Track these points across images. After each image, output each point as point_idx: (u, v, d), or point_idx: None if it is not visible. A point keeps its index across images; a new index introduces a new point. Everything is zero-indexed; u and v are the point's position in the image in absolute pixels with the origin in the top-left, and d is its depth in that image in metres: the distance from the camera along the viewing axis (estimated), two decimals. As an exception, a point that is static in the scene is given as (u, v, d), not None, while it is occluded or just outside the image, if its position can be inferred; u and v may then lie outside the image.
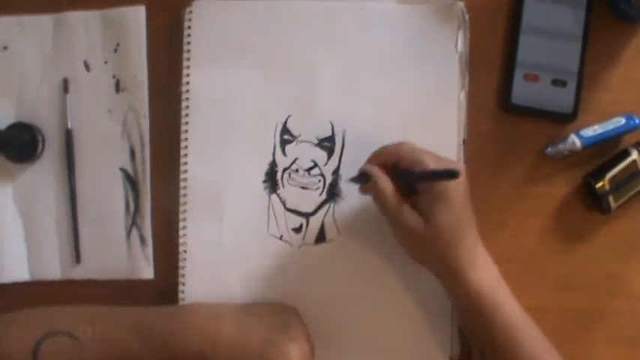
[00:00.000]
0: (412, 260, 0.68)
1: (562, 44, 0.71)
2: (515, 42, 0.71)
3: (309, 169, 0.72)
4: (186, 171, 0.72)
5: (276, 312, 0.68)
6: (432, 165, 0.62)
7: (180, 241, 0.72)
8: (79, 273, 0.73)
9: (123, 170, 0.73)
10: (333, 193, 0.71)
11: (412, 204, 0.63)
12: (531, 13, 0.71)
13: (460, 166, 0.63)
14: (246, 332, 0.64)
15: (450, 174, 0.60)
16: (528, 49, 0.71)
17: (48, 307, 0.68)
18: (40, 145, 0.72)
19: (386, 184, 0.63)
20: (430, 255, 0.65)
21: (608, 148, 0.71)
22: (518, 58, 0.71)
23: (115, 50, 0.73)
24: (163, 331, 0.64)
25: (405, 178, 0.64)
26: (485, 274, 0.64)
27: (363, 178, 0.66)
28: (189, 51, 0.72)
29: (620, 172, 0.69)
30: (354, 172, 0.68)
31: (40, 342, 0.62)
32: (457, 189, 0.62)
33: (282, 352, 0.63)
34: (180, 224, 0.72)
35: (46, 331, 0.63)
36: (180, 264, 0.72)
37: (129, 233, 0.73)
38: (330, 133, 0.72)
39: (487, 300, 0.63)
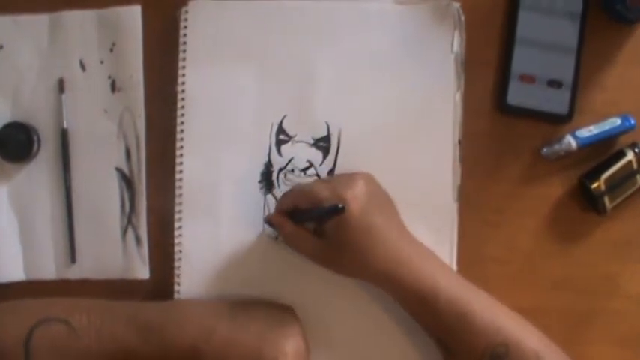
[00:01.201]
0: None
1: (558, 45, 0.71)
2: (510, 43, 0.71)
3: (304, 170, 0.72)
4: (181, 171, 0.72)
5: (272, 309, 0.68)
6: (323, 195, 0.63)
7: (176, 241, 0.72)
8: (75, 272, 0.73)
9: (118, 170, 0.73)
10: (328, 193, 0.71)
11: (322, 233, 0.65)
12: (527, 14, 0.71)
13: (354, 184, 0.64)
14: (241, 328, 0.64)
15: (335, 211, 0.62)
16: (524, 49, 0.71)
17: (43, 298, 0.68)
18: (35, 145, 0.72)
19: (283, 226, 0.67)
20: (354, 270, 0.66)
21: (604, 149, 0.71)
22: (513, 58, 0.71)
23: (111, 50, 0.73)
24: (158, 323, 0.64)
25: (300, 220, 0.66)
26: (417, 264, 0.64)
27: (268, 224, 0.70)
28: (184, 51, 0.72)
29: (616, 172, 0.70)
30: (350, 173, 0.69)
31: (34, 328, 0.63)
32: (356, 205, 0.63)
33: (276, 347, 0.63)
34: (176, 224, 0.72)
35: (40, 318, 0.64)
36: (176, 264, 0.71)
37: (124, 233, 0.72)
38: (325, 134, 0.72)
39: (425, 288, 0.62)
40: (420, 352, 0.70)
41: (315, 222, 0.66)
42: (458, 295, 0.62)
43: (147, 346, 0.64)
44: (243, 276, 0.71)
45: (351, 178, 0.65)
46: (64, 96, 0.73)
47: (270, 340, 0.64)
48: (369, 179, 0.66)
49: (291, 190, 0.68)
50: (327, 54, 0.72)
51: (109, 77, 0.73)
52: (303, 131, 0.72)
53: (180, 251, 0.71)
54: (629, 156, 0.70)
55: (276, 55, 0.72)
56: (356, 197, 0.63)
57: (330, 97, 0.71)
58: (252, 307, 0.68)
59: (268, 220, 0.69)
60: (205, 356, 0.63)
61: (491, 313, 0.63)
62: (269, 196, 0.72)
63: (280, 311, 0.68)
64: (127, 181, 0.73)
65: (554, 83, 0.71)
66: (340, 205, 0.61)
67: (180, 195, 0.72)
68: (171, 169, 0.72)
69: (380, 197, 0.66)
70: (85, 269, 0.73)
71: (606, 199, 0.70)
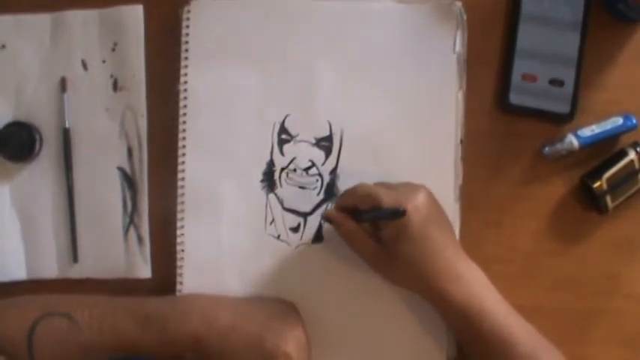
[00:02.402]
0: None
1: (560, 44, 0.71)
2: (512, 42, 0.71)
3: (306, 169, 0.72)
4: (183, 170, 0.72)
5: (274, 303, 0.69)
6: (385, 200, 0.63)
7: (178, 240, 0.72)
8: (77, 272, 0.73)
9: (120, 169, 0.73)
10: (330, 192, 0.71)
11: (379, 239, 0.65)
12: (529, 14, 0.71)
13: (417, 194, 0.64)
14: (243, 318, 0.65)
15: (396, 214, 0.62)
16: (526, 49, 0.71)
17: (46, 295, 0.69)
18: (37, 144, 0.72)
19: (344, 224, 0.66)
20: (404, 280, 0.67)
21: (606, 148, 0.71)
22: (515, 58, 0.71)
23: (113, 49, 0.73)
24: (161, 316, 0.65)
25: (360, 219, 0.66)
26: (467, 284, 0.64)
27: (327, 221, 0.68)
28: (187, 50, 0.72)
29: (618, 172, 0.69)
30: (352, 172, 0.69)
31: (37, 322, 0.63)
32: (418, 216, 0.63)
33: (278, 337, 0.64)
34: (178, 223, 0.72)
35: (42, 313, 0.64)
36: (178, 263, 0.71)
37: (126, 232, 0.73)
38: (327, 133, 0.72)
39: (473, 310, 0.63)
40: (422, 356, 0.70)
41: (373, 223, 0.66)
42: (502, 321, 0.63)
43: (149, 338, 0.64)
44: (244, 275, 0.71)
45: (413, 188, 0.66)
46: (66, 95, 0.73)
47: (272, 329, 0.64)
48: (430, 193, 0.66)
49: (353, 189, 0.67)
50: (329, 53, 0.72)
51: (111, 76, 0.73)
52: (306, 131, 0.72)
53: (182, 250, 0.71)
54: (631, 155, 0.70)
55: (279, 54, 0.72)
56: (417, 209, 0.63)
57: (332, 97, 0.71)
58: (254, 301, 0.68)
59: (327, 216, 0.67)
60: (207, 343, 0.63)
61: (533, 342, 0.63)
62: (271, 196, 0.72)
63: (283, 305, 0.68)
64: (129, 180, 0.73)
65: (556, 82, 0.71)
66: (402, 209, 0.62)
67: (182, 194, 0.72)
68: (173, 168, 0.72)
69: (438, 212, 0.66)
70: (87, 268, 0.73)
71: (608, 199, 0.70)
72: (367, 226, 0.66)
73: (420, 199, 0.64)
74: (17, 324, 0.64)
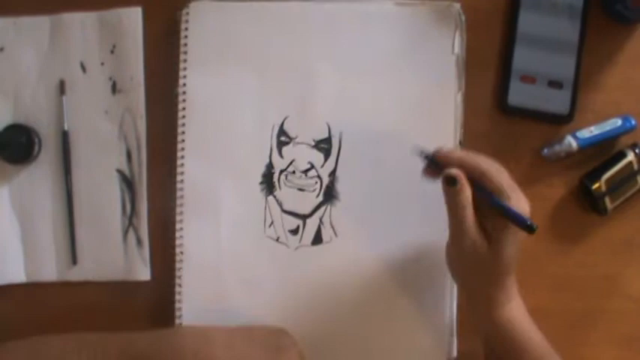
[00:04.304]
0: (409, 262, 0.68)
1: (558, 46, 0.71)
2: (511, 43, 0.71)
3: (305, 171, 0.72)
4: (182, 172, 0.72)
5: (269, 335, 0.66)
6: (515, 203, 0.59)
7: (177, 242, 0.72)
8: (76, 274, 0.73)
9: (119, 172, 0.73)
10: (329, 194, 0.72)
11: (480, 219, 0.61)
12: (527, 15, 0.71)
13: (527, 204, 0.60)
14: (239, 355, 0.63)
15: (528, 227, 0.58)
16: (525, 50, 0.71)
17: (35, 337, 0.65)
18: (36, 147, 0.72)
19: (468, 198, 0.60)
20: (476, 278, 0.63)
21: (605, 150, 0.71)
22: (514, 59, 0.71)
23: (112, 51, 0.73)
24: (152, 354, 0.63)
25: (485, 198, 0.60)
26: (522, 311, 0.64)
27: (447, 180, 0.61)
28: (185, 52, 0.72)
29: (617, 173, 0.70)
30: (351, 174, 0.69)
31: None
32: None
33: None
34: (177, 226, 0.72)
35: None
36: (177, 265, 0.71)
37: (125, 234, 0.72)
38: (326, 135, 0.72)
39: (520, 336, 0.62)
40: (422, 352, 0.70)
41: (491, 206, 0.60)
42: (546, 356, 0.62)
43: None
44: (244, 277, 0.71)
45: (524, 197, 0.61)
46: (64, 98, 0.73)
47: None
48: None
49: (485, 163, 0.61)
50: (328, 55, 0.72)
51: (110, 79, 0.73)
52: (305, 133, 0.72)
53: (182, 253, 0.71)
54: (630, 157, 0.70)
55: (277, 56, 0.72)
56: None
57: (331, 99, 0.71)
58: (248, 333, 0.66)
59: (454, 175, 0.60)
60: None
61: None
62: (270, 198, 0.72)
63: (278, 336, 0.66)
64: (128, 182, 0.73)
65: (555, 84, 0.71)
66: (535, 225, 0.58)
67: (182, 196, 0.72)
68: (172, 170, 0.72)
69: None
70: (86, 271, 0.73)
71: (607, 200, 0.70)
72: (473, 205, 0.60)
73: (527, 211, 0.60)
74: None
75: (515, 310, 0.63)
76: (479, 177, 0.60)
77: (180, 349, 0.63)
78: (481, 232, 0.60)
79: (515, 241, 0.60)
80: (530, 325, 0.63)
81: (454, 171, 0.60)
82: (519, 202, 0.60)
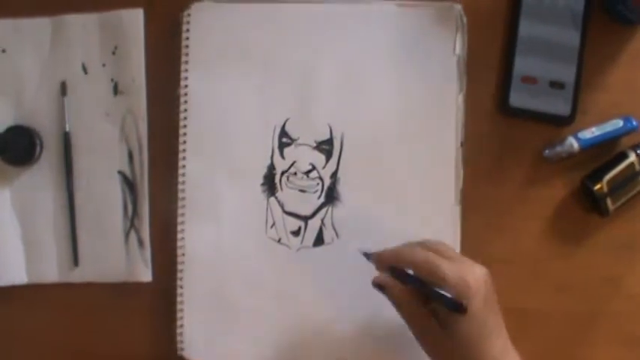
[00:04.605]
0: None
1: (560, 46, 0.71)
2: (512, 44, 0.71)
3: (307, 172, 0.72)
4: (184, 174, 0.72)
5: None
6: (448, 275, 0.58)
7: (179, 244, 0.72)
8: (77, 276, 0.73)
9: (121, 173, 0.73)
10: (331, 196, 0.71)
11: (432, 308, 0.60)
12: (529, 16, 0.71)
13: (478, 272, 0.59)
14: None
15: (456, 309, 0.57)
16: (526, 51, 0.71)
17: None
18: (37, 149, 0.72)
19: (400, 298, 0.61)
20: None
21: (606, 151, 0.71)
22: (515, 60, 0.71)
23: (113, 53, 0.73)
24: None
25: (415, 286, 0.61)
26: None
27: (376, 287, 0.63)
28: (187, 54, 0.72)
29: (618, 174, 0.69)
30: (352, 175, 0.69)
31: None
32: (478, 295, 0.58)
33: None
34: (179, 227, 0.72)
35: None
36: (179, 267, 0.71)
37: (127, 236, 0.72)
38: (328, 136, 0.72)
39: None
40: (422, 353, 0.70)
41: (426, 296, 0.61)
42: None
43: None
44: (245, 279, 0.71)
45: (477, 267, 0.60)
46: (66, 99, 0.73)
47: None
48: (489, 274, 0.61)
49: (412, 254, 0.61)
50: (329, 57, 0.72)
51: (112, 80, 0.73)
52: (306, 134, 0.72)
53: (183, 254, 0.71)
54: (632, 157, 0.70)
55: (279, 57, 0.72)
56: (478, 289, 0.58)
57: (332, 100, 0.71)
58: None
59: (379, 283, 0.62)
60: None
61: None
62: (272, 199, 0.72)
63: None
64: (130, 184, 0.73)
65: (557, 85, 0.71)
66: (465, 305, 0.57)
67: (183, 198, 0.72)
68: (173, 171, 0.72)
69: (494, 296, 0.61)
70: (87, 272, 0.73)
71: (609, 201, 0.70)
72: (420, 296, 0.61)
73: (482, 279, 0.59)
74: None
75: None
76: (413, 269, 0.60)
77: None
78: (431, 322, 0.60)
79: (467, 319, 0.58)
80: None
81: (377, 279, 0.62)
82: (455, 268, 0.59)
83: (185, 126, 0.72)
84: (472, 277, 0.59)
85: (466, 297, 0.57)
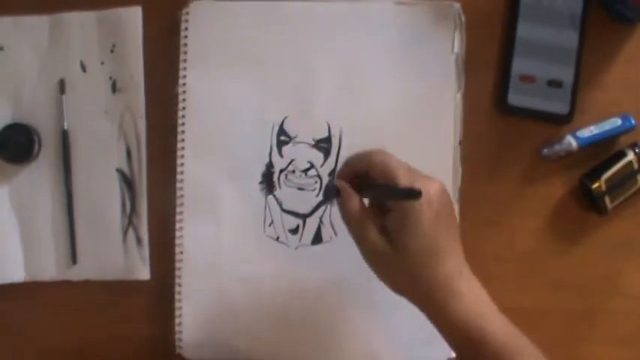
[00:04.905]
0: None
1: (558, 45, 0.71)
2: (511, 43, 0.71)
3: (305, 170, 0.72)
4: (182, 172, 0.72)
5: None
6: (402, 180, 0.56)
7: (177, 242, 0.72)
8: (75, 273, 0.73)
9: (119, 171, 0.73)
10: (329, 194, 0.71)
11: (383, 223, 0.57)
12: (527, 15, 0.71)
13: (431, 186, 0.56)
14: None
15: (409, 194, 0.54)
16: (524, 49, 0.71)
17: None
18: (36, 146, 0.72)
19: (350, 201, 0.58)
20: (402, 283, 0.59)
21: (605, 149, 0.71)
22: (514, 59, 0.71)
23: (112, 51, 0.73)
24: None
25: (367, 194, 0.59)
26: (470, 303, 0.57)
27: (331, 193, 0.61)
28: (185, 52, 0.72)
29: (616, 172, 0.70)
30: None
31: None
32: (429, 209, 0.55)
33: None
34: (177, 225, 0.72)
35: None
36: (177, 265, 0.72)
37: (125, 234, 0.72)
38: (326, 134, 0.72)
39: (474, 332, 0.56)
40: (421, 353, 0.70)
41: (379, 208, 0.58)
42: (505, 348, 0.56)
43: None
44: (243, 277, 0.71)
45: (431, 178, 0.58)
46: (64, 97, 0.73)
47: None
48: (446, 189, 0.58)
49: (369, 154, 0.58)
50: (327, 55, 0.72)
51: (110, 78, 0.73)
52: (304, 132, 0.72)
53: (181, 252, 0.72)
54: (630, 156, 0.70)
55: (277, 55, 0.72)
56: (430, 200, 0.55)
57: (331, 98, 0.71)
58: None
59: (336, 185, 0.59)
60: None
61: None
62: (270, 197, 0.72)
63: None
64: (128, 181, 0.73)
65: (555, 83, 0.71)
66: (417, 190, 0.53)
67: (181, 196, 0.72)
68: (172, 169, 0.72)
69: (451, 212, 0.59)
70: (85, 270, 0.73)
71: (607, 199, 0.70)
72: (373, 210, 0.59)
73: (436, 190, 0.56)
74: None
75: (469, 312, 0.57)
76: (366, 171, 0.58)
77: None
78: (378, 237, 0.57)
79: (417, 233, 0.55)
80: (488, 315, 0.57)
81: (335, 181, 0.60)
82: (411, 177, 0.56)
83: (183, 124, 0.72)
84: (425, 189, 0.55)
85: (416, 205, 0.55)
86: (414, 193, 0.53)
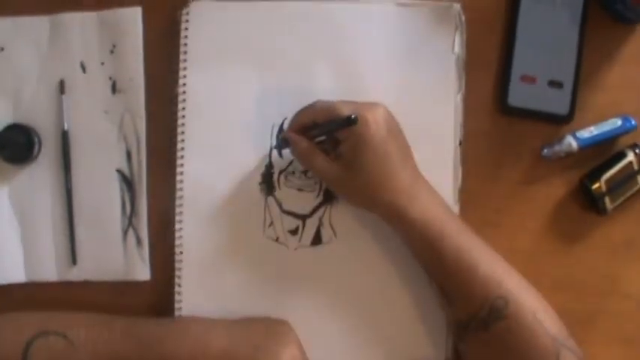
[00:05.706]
0: (408, 262, 0.68)
1: (558, 46, 0.71)
2: (511, 43, 0.71)
3: (305, 171, 0.71)
4: (182, 172, 0.72)
5: (268, 322, 0.68)
6: (344, 112, 0.62)
7: (177, 242, 0.72)
8: (75, 274, 0.73)
9: (119, 171, 0.73)
10: (329, 195, 0.71)
11: (339, 155, 0.64)
12: (528, 15, 0.71)
13: (376, 109, 0.63)
14: (237, 341, 0.65)
15: (348, 121, 0.60)
16: (525, 50, 0.71)
17: (44, 312, 0.68)
18: (36, 147, 0.72)
19: (298, 143, 0.65)
20: (362, 198, 0.66)
21: (605, 150, 0.71)
22: (514, 59, 0.71)
23: (112, 51, 0.73)
24: (155, 338, 0.65)
25: (315, 134, 0.65)
26: (427, 205, 0.64)
27: (284, 145, 0.68)
28: (185, 52, 0.72)
29: (616, 173, 0.70)
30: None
31: (32, 341, 0.63)
32: (377, 128, 0.62)
33: (272, 357, 0.63)
34: (177, 225, 0.72)
35: (38, 331, 0.64)
36: (177, 265, 0.71)
37: (125, 234, 0.72)
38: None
39: (433, 230, 0.63)
40: (421, 354, 0.70)
41: (332, 140, 0.65)
42: (462, 244, 0.63)
43: None
44: (243, 278, 0.71)
45: (373, 103, 0.65)
46: (64, 97, 0.73)
47: (267, 350, 0.64)
48: (389, 110, 0.65)
49: (312, 105, 0.66)
50: (328, 55, 0.72)
51: (110, 79, 0.73)
52: (304, 132, 0.72)
53: (181, 252, 0.71)
54: (630, 157, 0.70)
55: (278, 56, 0.72)
56: (377, 121, 0.62)
57: (331, 99, 0.71)
58: (248, 322, 0.68)
59: (283, 137, 0.68)
60: None
61: (494, 266, 0.64)
62: (270, 198, 0.72)
63: (276, 323, 0.68)
64: (128, 182, 0.73)
65: (555, 84, 0.71)
66: (353, 116, 0.60)
67: (181, 196, 0.72)
68: (171, 170, 0.72)
69: (398, 130, 0.66)
70: (85, 271, 0.73)
71: (607, 200, 0.70)
72: (327, 144, 0.66)
73: (381, 113, 0.64)
74: (13, 340, 0.64)
75: (427, 213, 0.64)
76: (313, 120, 0.65)
77: (182, 334, 0.65)
78: (331, 163, 0.65)
79: (371, 151, 0.62)
80: (445, 214, 0.65)
81: (283, 134, 0.68)
82: (354, 108, 0.62)
83: (183, 124, 0.72)
84: (369, 112, 0.63)
85: (364, 129, 0.62)
86: (351, 120, 0.60)
